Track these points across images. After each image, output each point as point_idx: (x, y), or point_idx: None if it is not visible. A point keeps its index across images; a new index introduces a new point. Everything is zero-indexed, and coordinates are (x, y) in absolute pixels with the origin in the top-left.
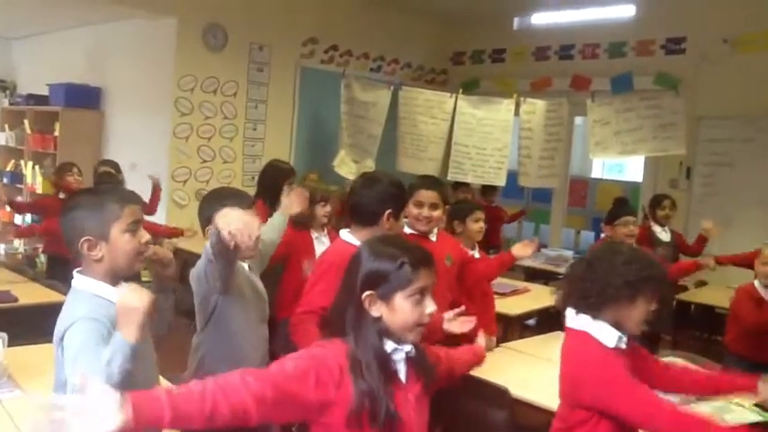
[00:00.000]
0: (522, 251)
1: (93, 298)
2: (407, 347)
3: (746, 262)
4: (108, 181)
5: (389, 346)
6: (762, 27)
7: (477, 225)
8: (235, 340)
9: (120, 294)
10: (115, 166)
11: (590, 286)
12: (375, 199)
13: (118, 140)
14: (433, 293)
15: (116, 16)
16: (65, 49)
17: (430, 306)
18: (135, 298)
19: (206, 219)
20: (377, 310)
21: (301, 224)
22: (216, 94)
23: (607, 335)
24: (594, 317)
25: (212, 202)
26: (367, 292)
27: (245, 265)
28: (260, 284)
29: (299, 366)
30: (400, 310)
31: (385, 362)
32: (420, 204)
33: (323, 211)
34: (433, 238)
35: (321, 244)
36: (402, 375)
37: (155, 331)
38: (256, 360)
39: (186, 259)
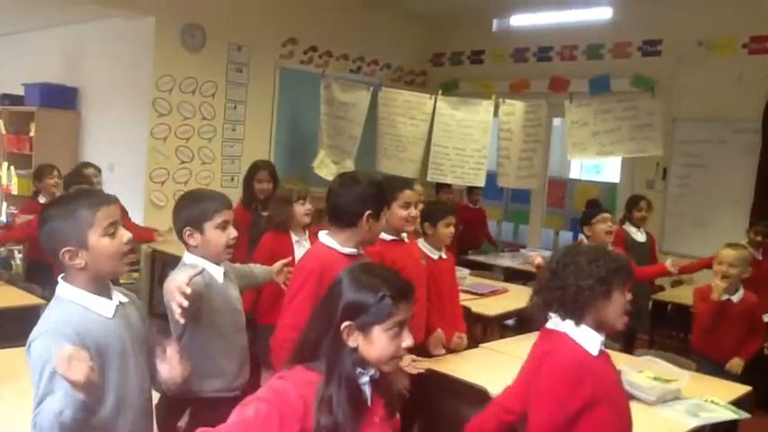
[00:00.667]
0: None
1: (72, 306)
2: (371, 371)
3: (704, 266)
4: (76, 182)
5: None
6: (735, 31)
7: (447, 230)
8: (208, 355)
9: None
10: (95, 169)
11: (563, 294)
12: (354, 200)
13: (95, 141)
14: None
15: (93, 16)
16: (41, 48)
17: (407, 340)
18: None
19: (181, 222)
20: (354, 340)
21: (281, 226)
22: (194, 94)
23: (590, 341)
24: (578, 323)
25: (187, 204)
26: (346, 323)
27: (219, 278)
28: (234, 293)
29: (260, 411)
30: (378, 342)
31: (357, 392)
32: (408, 205)
33: (303, 209)
34: (406, 239)
35: (301, 248)
36: (368, 398)
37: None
38: (232, 372)
39: (165, 261)
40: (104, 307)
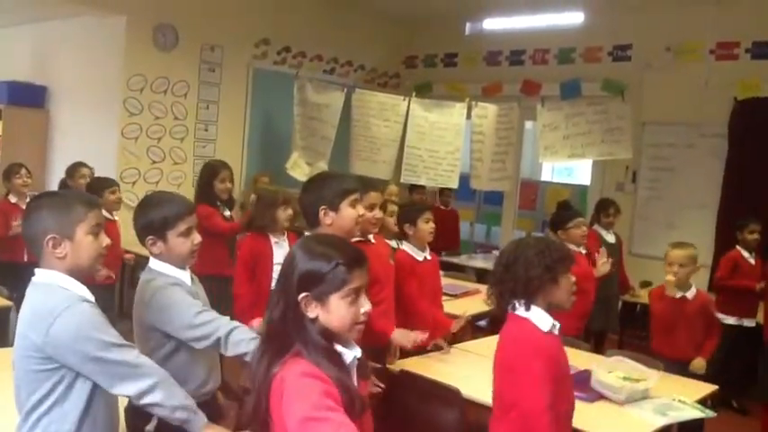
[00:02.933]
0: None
1: (58, 288)
2: (356, 352)
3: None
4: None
5: (338, 347)
6: (702, 37)
7: (428, 226)
8: (177, 360)
9: None
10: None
11: (515, 285)
12: (309, 201)
13: (64, 140)
14: (370, 291)
15: (63, 13)
16: (9, 46)
17: (365, 305)
18: None
19: (142, 230)
20: (312, 311)
21: (262, 229)
22: (166, 94)
23: (542, 321)
24: (529, 307)
25: (147, 211)
26: (303, 294)
27: (187, 281)
28: (202, 296)
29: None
30: (336, 310)
31: (338, 360)
32: (372, 207)
33: (285, 214)
34: (372, 239)
35: (281, 249)
36: (353, 379)
37: None
38: (202, 377)
39: (136, 262)
40: (85, 292)
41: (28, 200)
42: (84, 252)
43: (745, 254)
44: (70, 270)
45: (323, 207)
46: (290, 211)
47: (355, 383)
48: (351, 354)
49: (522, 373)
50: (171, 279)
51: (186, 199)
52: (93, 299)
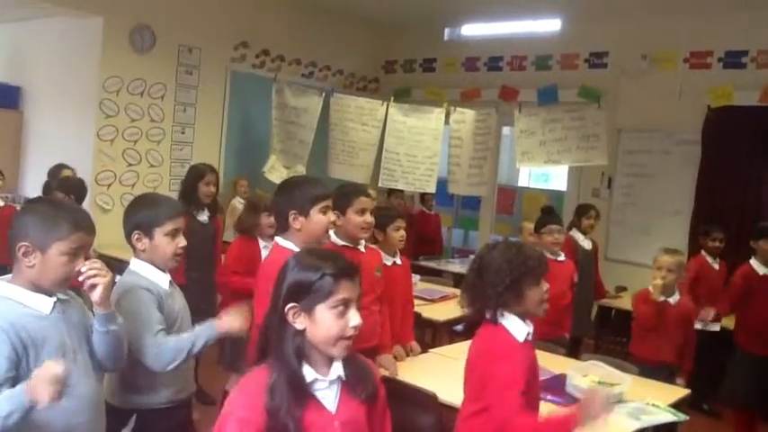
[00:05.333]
0: None
1: (6, 302)
2: (334, 374)
3: None
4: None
5: (309, 374)
6: (676, 46)
7: (398, 233)
8: (150, 372)
9: (43, 369)
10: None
11: (485, 292)
12: (279, 206)
13: (38, 142)
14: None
15: (39, 13)
16: None
17: (354, 319)
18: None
19: (131, 224)
20: (301, 323)
21: (248, 232)
22: (143, 96)
23: (517, 329)
24: (502, 314)
25: (140, 207)
26: (290, 305)
27: (165, 285)
28: (180, 301)
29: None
30: (322, 322)
31: (298, 384)
32: (363, 212)
33: (268, 221)
34: (362, 248)
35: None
36: (330, 404)
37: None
38: (178, 384)
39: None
40: (41, 303)
41: (1, 203)
42: (51, 271)
43: (710, 259)
44: (34, 282)
45: (293, 212)
46: (272, 219)
47: (332, 409)
48: (325, 381)
49: (492, 378)
50: (144, 282)
51: (178, 204)
52: (47, 307)
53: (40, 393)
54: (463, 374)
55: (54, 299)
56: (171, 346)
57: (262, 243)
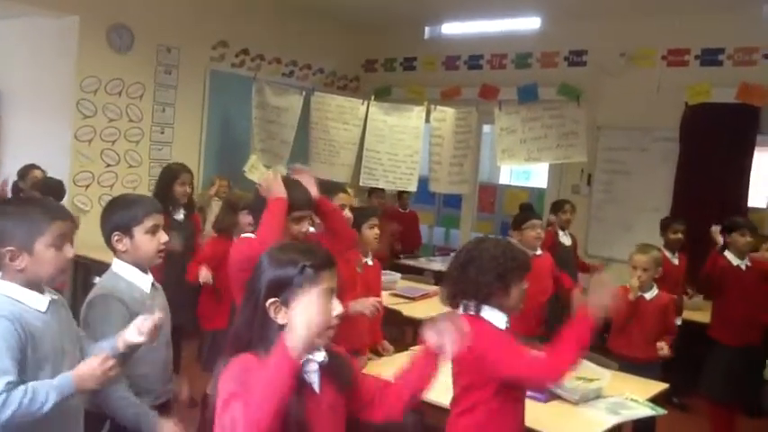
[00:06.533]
0: None
1: (4, 298)
2: (320, 357)
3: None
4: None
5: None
6: (654, 44)
7: (372, 232)
8: (130, 372)
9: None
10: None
11: (467, 287)
12: (258, 202)
13: (15, 143)
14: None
15: (13, 13)
16: None
17: (336, 308)
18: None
19: (109, 226)
20: (282, 317)
21: (225, 231)
22: (121, 96)
23: (497, 319)
24: (481, 308)
25: (116, 208)
26: (270, 300)
27: (146, 288)
28: (162, 303)
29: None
30: None
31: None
32: (341, 207)
33: (247, 219)
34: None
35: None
36: (315, 385)
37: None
38: (156, 388)
39: (88, 267)
40: (38, 301)
41: None
42: (46, 266)
43: (668, 254)
44: (29, 282)
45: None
46: (251, 217)
47: (316, 390)
48: (314, 361)
49: (495, 364)
50: (123, 285)
51: (156, 200)
52: (43, 305)
53: (88, 382)
54: (450, 371)
55: (48, 298)
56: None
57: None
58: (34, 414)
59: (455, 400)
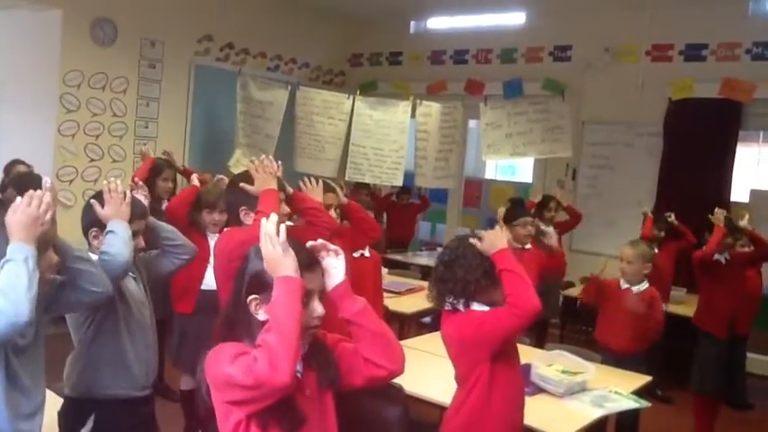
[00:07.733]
0: None
1: None
2: (303, 348)
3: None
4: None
5: None
6: (638, 39)
7: None
8: (113, 356)
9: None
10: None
11: (454, 286)
12: (230, 200)
13: None
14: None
15: None
16: None
17: (317, 309)
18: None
19: (89, 220)
20: (263, 315)
21: (196, 226)
22: (104, 90)
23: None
24: (470, 305)
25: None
26: (252, 296)
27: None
28: (140, 289)
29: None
30: None
31: None
32: (328, 207)
33: (209, 218)
34: None
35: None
36: (298, 373)
37: None
38: (140, 372)
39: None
40: None
41: None
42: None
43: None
44: None
45: (243, 207)
46: (215, 216)
47: (299, 375)
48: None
49: (484, 335)
50: None
51: (141, 204)
52: None
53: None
54: (451, 362)
55: None
56: None
57: (211, 239)
58: (27, 299)
59: (463, 378)
